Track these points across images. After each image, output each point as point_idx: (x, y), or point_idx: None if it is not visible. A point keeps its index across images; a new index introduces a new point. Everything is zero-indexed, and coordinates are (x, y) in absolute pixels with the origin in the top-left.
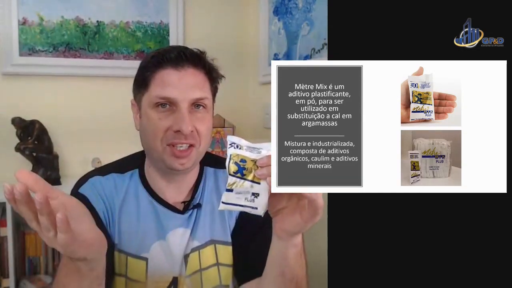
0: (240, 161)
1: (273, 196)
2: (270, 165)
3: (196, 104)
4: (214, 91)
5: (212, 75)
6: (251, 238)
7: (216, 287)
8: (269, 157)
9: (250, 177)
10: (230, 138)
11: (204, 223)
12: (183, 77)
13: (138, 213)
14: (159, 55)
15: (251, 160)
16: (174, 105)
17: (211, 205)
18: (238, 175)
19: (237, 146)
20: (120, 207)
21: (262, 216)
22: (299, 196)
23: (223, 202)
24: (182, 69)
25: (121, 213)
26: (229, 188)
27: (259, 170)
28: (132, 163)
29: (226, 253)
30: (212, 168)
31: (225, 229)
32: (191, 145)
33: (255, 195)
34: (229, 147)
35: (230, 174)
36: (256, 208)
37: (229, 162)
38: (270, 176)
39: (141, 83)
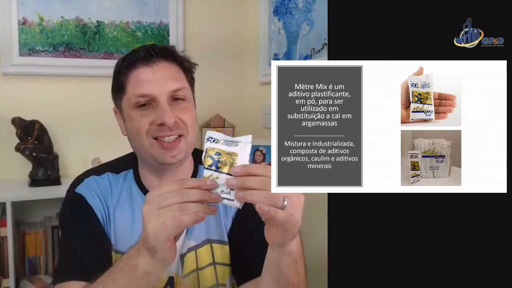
0: (215, 154)
1: None
2: (243, 176)
3: (175, 98)
4: (191, 81)
5: (185, 65)
6: (247, 238)
7: (213, 286)
8: (243, 166)
9: (225, 170)
10: (208, 133)
11: (199, 223)
12: (156, 72)
13: (132, 212)
14: (129, 57)
15: (226, 153)
16: (153, 100)
17: None
18: (213, 168)
19: (214, 140)
20: (115, 207)
21: (240, 208)
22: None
23: None
24: (154, 64)
25: (116, 213)
26: None
27: (230, 179)
28: (127, 163)
29: (222, 252)
30: None
31: (221, 229)
32: (179, 136)
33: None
34: (206, 142)
35: (205, 168)
36: (233, 200)
37: (205, 156)
38: (240, 188)
39: (118, 87)
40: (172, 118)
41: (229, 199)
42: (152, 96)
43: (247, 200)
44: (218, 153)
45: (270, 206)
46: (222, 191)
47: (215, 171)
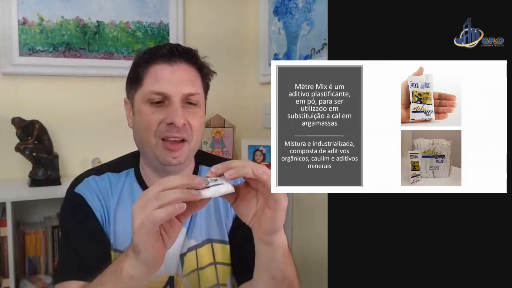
0: None
1: (243, 206)
2: (223, 163)
3: (188, 101)
4: (205, 87)
5: (204, 71)
6: (248, 238)
7: (214, 286)
8: (224, 162)
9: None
10: None
11: (200, 222)
12: (176, 72)
13: None
14: (151, 51)
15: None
16: (167, 99)
17: (207, 205)
18: None
19: None
20: (116, 207)
21: (234, 191)
22: (261, 192)
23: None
24: (175, 64)
25: (117, 213)
26: None
27: (214, 166)
28: (128, 163)
29: (223, 252)
30: (208, 167)
31: (221, 228)
32: (183, 140)
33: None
34: None
35: None
36: (222, 184)
37: None
38: (227, 169)
39: (135, 79)
40: (182, 120)
41: (219, 184)
42: (167, 95)
43: (239, 173)
44: None
45: (264, 172)
46: (209, 180)
47: None
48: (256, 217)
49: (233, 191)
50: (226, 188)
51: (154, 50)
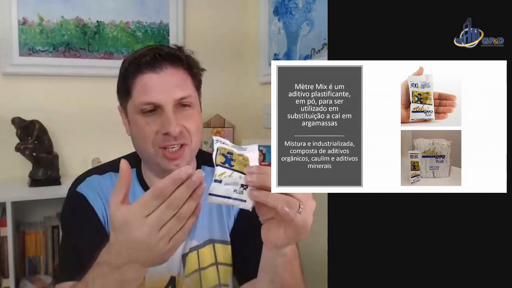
0: (227, 153)
1: (264, 209)
2: (258, 173)
3: (182, 104)
4: (197, 85)
5: (193, 71)
6: (249, 238)
7: (215, 286)
8: (258, 166)
9: (238, 168)
10: (216, 137)
11: (202, 223)
12: (163, 79)
13: None
14: (135, 61)
15: (238, 155)
16: (159, 107)
17: (209, 205)
18: (226, 165)
19: (223, 143)
20: None
21: (250, 210)
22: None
23: (210, 194)
24: (161, 71)
25: None
26: (217, 179)
27: (249, 175)
28: (130, 163)
29: (225, 253)
30: (210, 167)
31: (223, 228)
32: (183, 145)
33: (244, 186)
34: (216, 143)
35: (217, 165)
36: (245, 201)
37: (216, 154)
38: (259, 186)
39: (123, 91)
40: (177, 128)
41: (241, 200)
42: (158, 104)
43: (263, 200)
44: (230, 153)
45: (290, 208)
46: (234, 191)
47: (228, 168)
48: (269, 223)
49: (250, 210)
50: (245, 205)
51: (137, 59)
